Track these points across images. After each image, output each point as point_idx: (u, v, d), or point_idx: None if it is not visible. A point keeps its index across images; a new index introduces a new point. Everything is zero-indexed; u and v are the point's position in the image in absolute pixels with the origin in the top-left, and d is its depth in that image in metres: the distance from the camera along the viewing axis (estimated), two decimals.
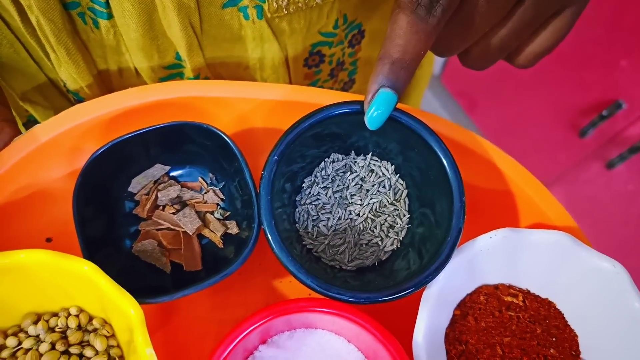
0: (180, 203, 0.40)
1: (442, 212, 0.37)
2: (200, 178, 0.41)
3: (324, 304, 0.33)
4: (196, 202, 0.40)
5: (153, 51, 0.43)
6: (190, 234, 0.38)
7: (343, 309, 0.33)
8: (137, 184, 0.40)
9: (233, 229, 0.39)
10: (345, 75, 0.53)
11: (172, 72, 0.45)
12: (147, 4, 0.39)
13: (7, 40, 0.42)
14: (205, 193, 0.41)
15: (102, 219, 0.37)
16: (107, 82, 0.47)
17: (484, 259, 0.37)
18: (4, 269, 0.32)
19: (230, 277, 0.40)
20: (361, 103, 0.35)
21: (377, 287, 0.35)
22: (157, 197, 0.39)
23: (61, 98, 0.51)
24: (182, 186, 0.40)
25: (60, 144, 0.39)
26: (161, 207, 0.40)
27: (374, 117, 0.31)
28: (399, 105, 0.37)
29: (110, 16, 0.40)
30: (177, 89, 0.40)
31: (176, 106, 0.40)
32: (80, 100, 0.48)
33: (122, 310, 0.32)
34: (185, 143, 0.39)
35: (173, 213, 0.39)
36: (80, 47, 0.42)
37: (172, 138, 0.38)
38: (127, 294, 0.32)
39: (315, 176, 0.41)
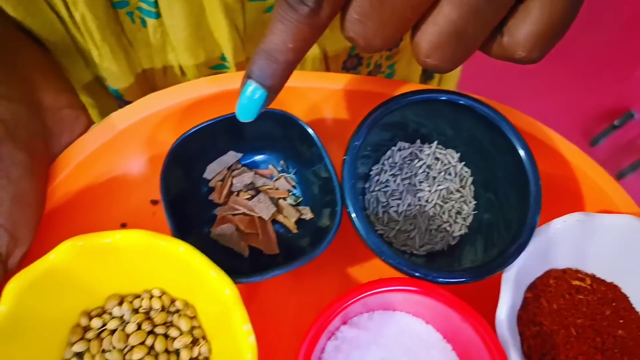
0: (254, 189, 0.40)
1: (510, 198, 0.38)
2: (270, 166, 0.41)
3: (414, 284, 0.33)
4: (268, 189, 0.40)
5: (200, 51, 0.43)
6: (266, 219, 0.38)
7: (431, 288, 0.33)
8: (212, 171, 0.40)
9: (307, 214, 0.39)
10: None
11: (216, 71, 0.46)
12: (196, 6, 0.39)
13: (58, 35, 0.42)
14: (277, 180, 0.41)
15: (183, 202, 0.37)
16: (150, 80, 0.47)
17: (555, 243, 0.37)
18: (98, 249, 0.32)
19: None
20: (431, 92, 0.36)
21: (451, 270, 0.35)
22: (232, 183, 0.39)
23: (107, 97, 0.51)
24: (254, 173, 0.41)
25: (136, 132, 0.40)
26: (235, 193, 0.40)
27: (242, 111, 0.28)
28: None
29: (158, 15, 0.41)
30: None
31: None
32: (121, 98, 0.48)
33: (216, 290, 0.32)
34: (259, 130, 0.39)
35: (247, 199, 0.39)
36: (124, 45, 0.43)
37: (248, 125, 0.38)
38: (223, 272, 0.32)
39: (383, 164, 0.41)
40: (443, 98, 0.36)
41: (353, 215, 0.34)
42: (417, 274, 0.33)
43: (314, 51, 0.45)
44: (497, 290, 0.35)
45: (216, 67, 0.46)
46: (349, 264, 0.41)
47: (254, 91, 0.27)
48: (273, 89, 0.27)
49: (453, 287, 0.34)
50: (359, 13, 0.24)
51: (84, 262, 0.33)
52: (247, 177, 0.40)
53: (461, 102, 0.36)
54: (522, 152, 0.36)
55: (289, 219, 0.39)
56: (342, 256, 0.41)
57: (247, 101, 0.28)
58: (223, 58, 0.45)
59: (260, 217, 0.39)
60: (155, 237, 0.32)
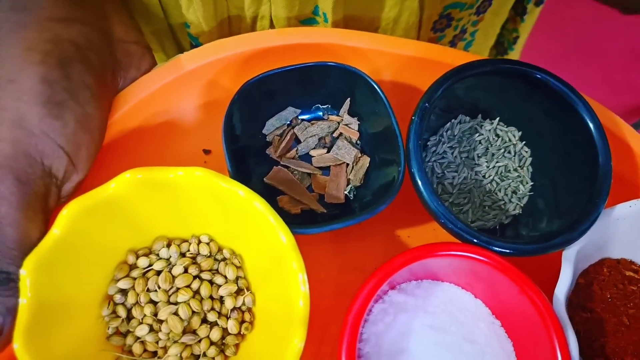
0: (324, 140, 0.38)
1: (570, 182, 0.36)
2: (331, 116, 0.39)
3: (474, 251, 0.31)
4: (342, 130, 0.38)
5: (295, 2, 0.41)
6: (350, 163, 0.36)
7: (492, 257, 0.31)
8: (271, 126, 0.38)
9: (365, 164, 0.37)
10: (462, 47, 0.52)
11: (305, 26, 0.44)
12: None
13: None
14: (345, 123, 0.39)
15: (240, 152, 0.35)
16: (234, 29, 0.45)
17: (615, 230, 0.35)
18: (157, 184, 0.31)
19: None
20: (508, 62, 0.34)
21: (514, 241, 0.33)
22: (292, 137, 0.38)
23: (174, 46, 0.50)
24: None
25: (201, 76, 0.38)
26: (295, 150, 0.38)
27: None
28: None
29: None
30: (317, 34, 0.39)
31: (313, 51, 0.39)
32: (198, 45, 0.47)
33: (272, 237, 0.30)
34: (323, 85, 0.37)
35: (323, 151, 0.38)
36: None
37: (314, 79, 0.36)
38: (281, 220, 0.30)
39: (441, 135, 0.39)
40: (521, 69, 0.33)
41: (417, 175, 0.32)
42: (478, 241, 0.31)
43: (412, 17, 0.43)
44: (540, 273, 0.33)
45: (306, 21, 0.44)
46: (395, 229, 0.39)
47: None
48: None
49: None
50: None
51: (139, 196, 0.31)
52: (315, 128, 0.37)
53: (538, 75, 0.34)
54: (595, 133, 0.33)
55: (359, 172, 0.37)
56: (388, 221, 0.39)
57: None
58: (315, 12, 0.43)
59: (335, 165, 0.37)
60: (218, 177, 0.30)
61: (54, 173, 0.30)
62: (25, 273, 0.28)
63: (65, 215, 0.29)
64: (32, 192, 0.29)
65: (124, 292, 0.33)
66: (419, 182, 0.32)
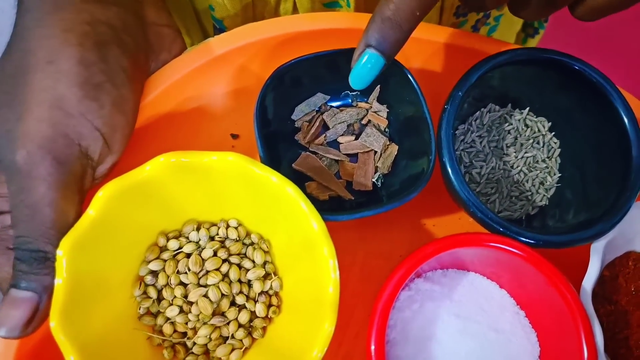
0: (352, 127, 0.38)
1: (599, 174, 0.36)
2: (360, 103, 0.39)
3: (504, 241, 0.31)
4: (371, 117, 0.38)
5: None
6: (378, 150, 0.36)
7: (522, 249, 0.31)
8: (300, 112, 0.38)
9: (393, 152, 0.37)
10: (485, 32, 0.51)
11: (329, 9, 0.44)
12: None
13: None
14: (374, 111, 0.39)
15: (270, 138, 0.35)
16: (258, 12, 0.45)
17: None
18: (190, 168, 0.31)
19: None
20: (545, 52, 0.33)
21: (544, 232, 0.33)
22: (321, 124, 0.38)
23: (199, 30, 0.49)
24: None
25: (230, 60, 0.38)
26: (322, 139, 0.38)
27: (357, 78, 0.28)
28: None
29: None
30: (347, 20, 0.38)
31: (342, 36, 0.38)
32: (222, 28, 0.46)
33: (303, 223, 0.30)
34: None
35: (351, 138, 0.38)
36: None
37: (345, 65, 0.36)
38: (313, 206, 0.30)
39: (470, 124, 0.39)
40: (558, 58, 0.33)
41: (448, 165, 0.32)
42: (508, 232, 0.31)
43: None
44: (562, 264, 0.33)
45: (329, 4, 0.43)
46: (420, 218, 0.39)
47: (372, 59, 0.27)
48: (391, 57, 0.27)
49: None
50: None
51: (172, 180, 0.31)
52: (344, 115, 0.37)
53: (575, 66, 0.33)
54: (629, 126, 0.33)
55: (387, 160, 0.37)
56: (413, 210, 0.39)
57: (364, 70, 0.27)
58: None
59: (364, 152, 0.37)
60: (251, 163, 0.30)
61: (90, 154, 0.31)
62: (62, 253, 0.28)
63: (101, 197, 0.29)
64: (69, 173, 0.29)
65: (154, 273, 0.33)
66: (450, 172, 0.32)
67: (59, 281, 0.28)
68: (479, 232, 0.31)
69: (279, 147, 0.37)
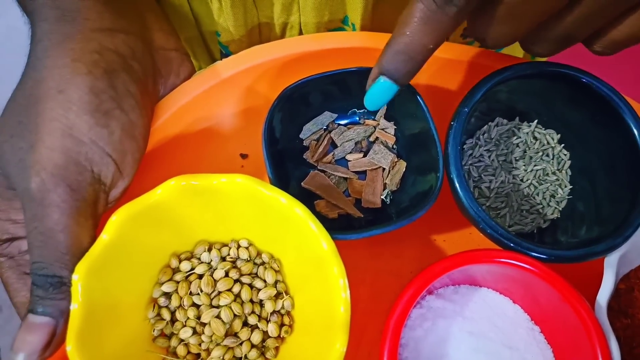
0: (360, 145, 0.39)
1: (610, 186, 0.35)
2: (367, 120, 0.39)
3: (516, 257, 0.31)
4: (378, 135, 0.39)
5: (325, 11, 0.41)
6: (386, 167, 0.37)
7: (534, 264, 0.31)
8: (308, 130, 0.39)
9: (402, 169, 0.37)
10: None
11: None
12: None
13: None
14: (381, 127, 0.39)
15: (278, 157, 0.36)
16: (264, 37, 0.45)
17: None
18: (200, 190, 0.31)
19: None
20: (551, 65, 0.33)
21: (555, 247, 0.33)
22: (329, 142, 0.38)
23: (205, 53, 0.50)
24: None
25: (237, 82, 0.39)
26: (331, 155, 0.38)
27: (371, 101, 0.29)
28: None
29: None
30: (350, 39, 0.39)
31: (347, 55, 0.39)
32: (228, 53, 0.47)
33: (312, 243, 0.31)
34: (360, 91, 0.37)
35: (359, 156, 0.38)
36: (245, 1, 0.41)
37: (352, 84, 0.37)
38: (322, 226, 0.30)
39: (478, 138, 0.39)
40: (566, 72, 0.33)
41: (456, 181, 0.32)
42: (519, 248, 0.31)
43: None
44: (577, 278, 0.32)
45: (335, 29, 0.44)
46: (430, 234, 0.39)
47: (386, 85, 0.28)
48: (405, 84, 0.28)
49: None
50: (494, 18, 0.25)
51: (183, 202, 0.32)
52: (351, 132, 0.38)
53: (583, 79, 0.33)
54: (639, 139, 0.33)
55: (395, 177, 0.37)
56: (423, 226, 0.39)
57: (378, 94, 0.28)
58: (344, 21, 0.43)
59: (372, 169, 0.38)
60: (259, 184, 0.31)
61: (103, 180, 0.31)
62: (77, 278, 0.29)
63: (115, 222, 0.30)
64: (82, 199, 0.30)
65: (167, 295, 0.33)
66: (458, 188, 0.32)
67: (74, 306, 0.28)
68: (490, 249, 0.31)
69: (287, 166, 0.37)
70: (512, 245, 0.31)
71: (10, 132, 0.31)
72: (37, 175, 0.29)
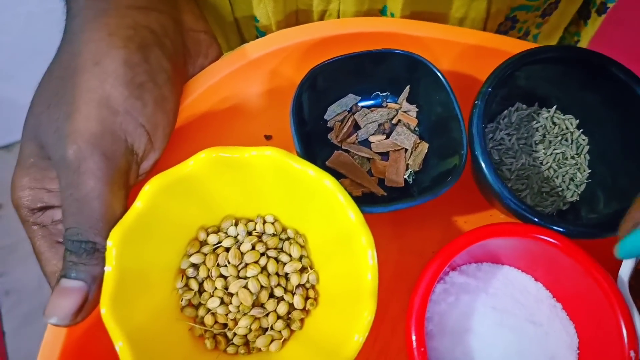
0: (383, 126, 0.39)
1: (629, 171, 0.36)
2: (390, 103, 0.40)
3: (539, 231, 0.31)
4: (401, 117, 0.39)
5: (365, 0, 0.42)
6: (409, 148, 0.37)
7: (559, 238, 0.31)
8: (332, 112, 0.39)
9: (424, 150, 0.38)
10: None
11: None
12: None
13: None
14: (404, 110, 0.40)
15: (304, 137, 0.36)
16: (300, 23, 0.46)
17: None
18: (230, 163, 0.32)
19: (409, 210, 0.39)
20: (567, 49, 0.34)
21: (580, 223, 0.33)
22: (352, 123, 0.39)
23: (238, 39, 0.51)
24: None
25: (264, 64, 0.39)
26: (354, 136, 0.39)
27: (626, 250, 0.28)
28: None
29: None
30: (376, 24, 0.40)
31: (373, 39, 0.40)
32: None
33: (340, 214, 0.31)
34: (384, 73, 0.38)
35: (382, 137, 0.39)
36: None
37: (376, 66, 0.37)
38: (350, 198, 0.31)
39: (498, 122, 0.40)
40: (585, 55, 0.34)
41: (480, 158, 0.33)
42: (542, 222, 0.31)
43: (478, 18, 0.43)
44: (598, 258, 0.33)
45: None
46: (452, 216, 0.39)
47: None
48: None
49: None
50: None
51: (212, 175, 0.32)
52: (374, 114, 0.39)
53: (601, 62, 0.34)
54: None
55: (418, 157, 0.38)
56: (445, 208, 0.40)
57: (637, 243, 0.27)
58: (383, 11, 0.44)
59: (394, 151, 0.38)
60: (289, 157, 0.31)
61: (136, 150, 0.32)
62: (112, 244, 0.29)
63: (148, 191, 0.31)
64: (116, 167, 0.31)
65: (195, 266, 0.34)
66: (483, 165, 0.33)
67: (109, 269, 0.29)
68: (514, 222, 0.32)
69: (312, 146, 0.38)
70: (535, 219, 0.32)
71: (47, 103, 0.32)
72: (73, 143, 0.30)
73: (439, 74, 0.36)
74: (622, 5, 0.47)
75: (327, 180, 0.31)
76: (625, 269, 0.32)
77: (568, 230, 0.32)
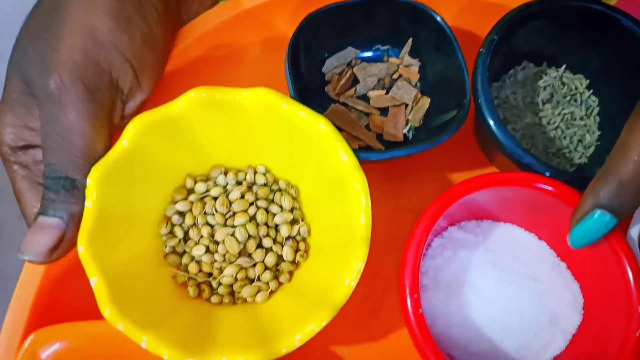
0: (382, 81, 0.38)
1: None
2: (391, 58, 0.39)
3: (542, 180, 0.29)
4: (402, 72, 0.38)
5: None
6: (409, 103, 0.36)
7: (562, 188, 0.29)
8: (330, 65, 0.38)
9: (425, 105, 0.36)
10: None
11: None
12: None
13: None
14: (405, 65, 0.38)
15: (302, 88, 0.35)
16: None
17: None
18: (221, 104, 0.30)
19: (405, 167, 0.37)
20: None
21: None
22: (351, 77, 0.37)
23: None
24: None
25: (257, 15, 0.38)
26: (353, 90, 0.37)
27: (580, 239, 0.26)
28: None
29: None
30: None
31: None
32: None
33: (334, 157, 0.30)
34: (385, 22, 0.37)
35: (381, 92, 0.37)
36: None
37: (377, 15, 0.36)
38: (344, 141, 0.29)
39: (504, 80, 0.38)
40: (593, 7, 0.32)
41: (484, 106, 0.31)
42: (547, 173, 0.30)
43: None
44: None
45: None
46: (451, 173, 0.38)
47: (603, 220, 0.25)
48: (625, 218, 0.25)
49: None
50: None
51: (201, 118, 0.31)
52: (374, 69, 0.37)
53: (613, 14, 0.32)
54: None
55: (418, 112, 0.36)
56: (443, 166, 0.38)
57: (593, 231, 0.25)
58: None
59: (393, 106, 0.37)
60: (281, 98, 0.30)
61: (120, 86, 0.31)
62: (91, 182, 0.28)
63: (132, 130, 0.29)
64: (99, 102, 0.29)
65: (181, 214, 0.32)
66: (485, 113, 0.31)
67: (88, 204, 0.27)
68: (517, 172, 0.30)
69: (308, 100, 0.36)
70: (541, 170, 0.30)
71: (33, 35, 0.31)
72: (55, 73, 0.28)
73: (442, 24, 0.34)
74: None
75: (322, 124, 0.30)
76: (636, 227, 0.30)
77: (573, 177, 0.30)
